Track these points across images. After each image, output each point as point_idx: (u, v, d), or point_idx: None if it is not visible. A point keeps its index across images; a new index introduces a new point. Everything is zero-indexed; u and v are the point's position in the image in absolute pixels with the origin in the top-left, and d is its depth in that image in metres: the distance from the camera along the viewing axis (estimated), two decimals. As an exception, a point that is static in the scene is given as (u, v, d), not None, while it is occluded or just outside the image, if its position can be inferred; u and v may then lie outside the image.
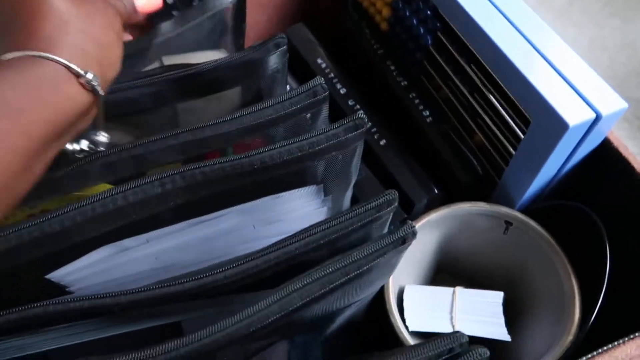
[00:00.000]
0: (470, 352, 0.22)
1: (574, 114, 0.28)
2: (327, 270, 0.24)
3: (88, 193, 0.31)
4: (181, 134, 0.28)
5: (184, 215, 0.29)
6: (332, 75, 0.43)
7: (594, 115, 0.28)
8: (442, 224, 0.36)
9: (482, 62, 0.34)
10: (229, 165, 0.27)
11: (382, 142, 0.39)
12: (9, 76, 0.23)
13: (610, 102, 0.29)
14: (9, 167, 0.22)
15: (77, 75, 0.25)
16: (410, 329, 0.32)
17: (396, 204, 0.27)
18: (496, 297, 0.33)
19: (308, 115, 0.32)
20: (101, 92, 0.26)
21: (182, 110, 0.38)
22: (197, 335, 0.22)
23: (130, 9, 0.31)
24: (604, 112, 0.28)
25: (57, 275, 0.28)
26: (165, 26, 0.39)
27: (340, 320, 0.33)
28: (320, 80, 0.30)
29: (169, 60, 0.44)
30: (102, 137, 0.30)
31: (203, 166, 0.27)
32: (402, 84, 0.42)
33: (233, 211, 0.30)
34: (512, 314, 0.35)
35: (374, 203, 0.26)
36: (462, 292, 0.34)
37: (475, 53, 0.34)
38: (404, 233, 0.26)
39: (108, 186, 0.33)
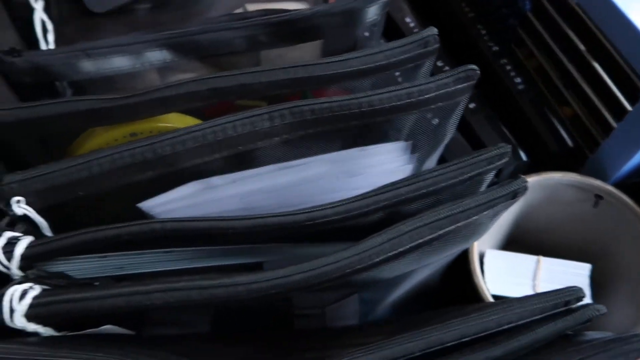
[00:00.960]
0: (588, 308, 0.21)
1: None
2: (439, 216, 0.24)
3: (165, 122, 0.32)
4: (292, 69, 0.28)
5: (272, 159, 0.29)
6: (420, 34, 0.42)
7: None
8: (528, 194, 0.35)
9: (594, 27, 0.33)
10: (338, 105, 0.27)
11: (472, 106, 0.38)
12: None
13: None
14: None
15: None
16: (492, 292, 0.32)
17: (507, 158, 0.26)
18: (583, 269, 0.32)
19: (411, 69, 0.32)
20: None
21: (264, 57, 0.38)
22: (287, 271, 0.22)
23: None
24: None
25: (148, 205, 0.28)
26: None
27: (415, 280, 0.33)
28: (433, 30, 0.30)
29: (252, 7, 0.44)
30: None
31: (312, 104, 0.27)
32: (493, 49, 0.41)
33: (319, 159, 0.30)
34: (592, 289, 0.34)
35: (485, 155, 0.26)
36: (547, 261, 0.33)
37: (585, 18, 0.33)
38: (516, 187, 0.25)
39: (183, 116, 0.34)
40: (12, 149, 0.27)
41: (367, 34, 0.36)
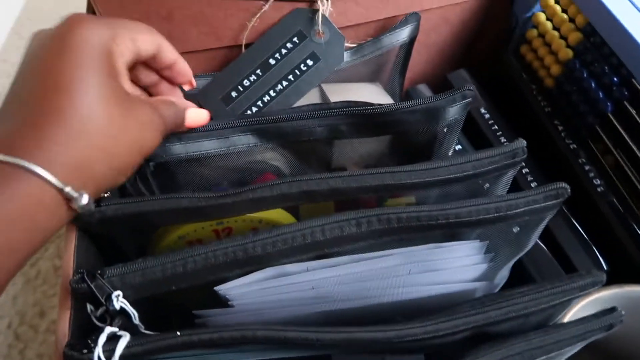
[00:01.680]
0: None
1: None
2: (531, 345, 0.23)
3: (263, 216, 0.32)
4: (379, 175, 0.29)
5: (355, 250, 0.30)
6: (495, 127, 0.42)
7: None
8: (610, 304, 0.34)
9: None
10: (426, 215, 0.27)
11: (547, 205, 0.38)
12: None
13: None
14: None
15: (69, 199, 0.22)
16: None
17: (601, 285, 0.26)
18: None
19: (490, 178, 0.32)
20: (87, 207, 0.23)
21: (337, 146, 0.39)
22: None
23: (180, 121, 0.29)
24: None
25: (224, 288, 0.29)
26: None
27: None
28: (522, 142, 0.30)
29: (328, 87, 0.45)
30: None
31: (400, 212, 0.27)
32: (571, 147, 0.40)
33: (395, 253, 0.30)
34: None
35: (579, 282, 0.25)
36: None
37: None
38: (612, 320, 0.24)
39: (281, 211, 0.34)
40: (109, 240, 0.28)
41: (445, 129, 0.37)
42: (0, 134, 0.21)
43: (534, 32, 0.45)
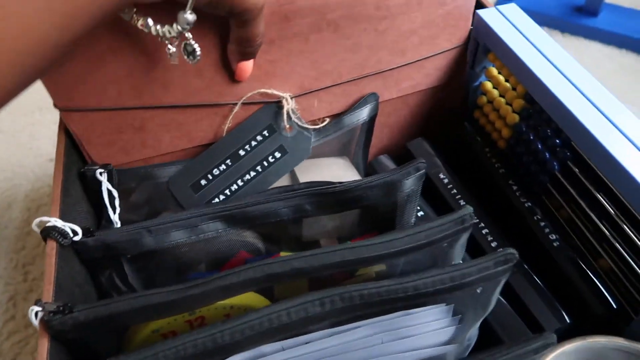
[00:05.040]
0: None
1: None
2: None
3: (234, 302, 0.34)
4: (340, 252, 0.30)
5: (322, 327, 0.31)
6: (454, 191, 0.44)
7: None
8: (574, 356, 0.35)
9: (621, 198, 0.34)
10: (385, 290, 0.29)
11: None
12: None
13: None
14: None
15: None
16: None
17: (554, 344, 0.27)
18: None
19: (446, 243, 0.34)
20: None
21: (307, 222, 0.41)
22: None
23: None
24: None
25: None
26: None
27: None
28: (469, 209, 0.32)
29: (299, 164, 0.47)
30: (190, 15, 0.32)
31: (361, 289, 0.29)
32: (526, 205, 0.43)
33: (366, 324, 0.32)
34: None
35: (534, 344, 0.27)
36: None
37: (612, 187, 0.35)
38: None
39: (252, 294, 0.36)
40: (84, 345, 0.29)
41: (404, 200, 0.39)
42: None
43: (484, 98, 0.49)
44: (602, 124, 0.36)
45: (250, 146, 0.41)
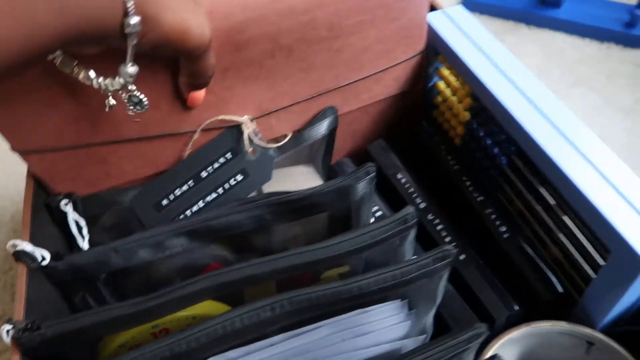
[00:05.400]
0: None
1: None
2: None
3: (196, 311, 0.36)
4: (289, 257, 0.32)
5: (282, 330, 0.33)
6: (411, 190, 0.46)
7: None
8: (523, 342, 0.37)
9: (559, 191, 0.36)
10: (331, 292, 0.31)
11: (462, 257, 0.41)
12: None
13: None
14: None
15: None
16: None
17: (484, 337, 0.29)
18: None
19: (397, 241, 0.36)
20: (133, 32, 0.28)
21: (276, 231, 0.43)
22: None
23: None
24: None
25: None
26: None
27: None
28: (410, 209, 0.34)
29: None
30: (131, 68, 0.32)
31: (309, 292, 0.31)
32: (479, 199, 0.45)
33: (326, 323, 0.34)
34: None
35: (465, 335, 0.29)
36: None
37: (550, 180, 0.37)
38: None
39: (213, 302, 0.38)
40: (55, 359, 0.31)
41: (358, 202, 0.41)
42: None
43: (439, 98, 0.51)
44: (539, 122, 0.38)
45: (213, 168, 0.43)
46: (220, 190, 0.43)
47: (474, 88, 0.43)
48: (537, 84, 0.41)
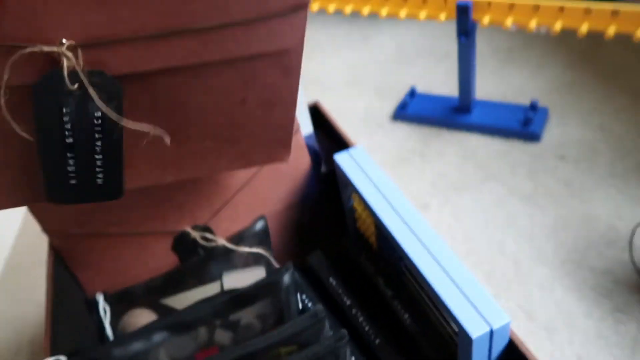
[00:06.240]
0: None
1: (475, 328, 0.44)
2: None
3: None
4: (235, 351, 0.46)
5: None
6: (340, 290, 0.61)
7: (488, 329, 0.44)
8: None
9: (425, 289, 0.51)
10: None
11: (377, 341, 0.55)
12: None
13: (498, 318, 0.45)
14: None
15: None
16: None
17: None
18: None
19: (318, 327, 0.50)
20: None
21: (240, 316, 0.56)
22: None
23: None
24: (494, 326, 0.44)
25: None
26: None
27: None
28: (319, 307, 0.48)
29: (228, 276, 0.64)
30: None
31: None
32: (389, 294, 0.59)
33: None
34: None
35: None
36: None
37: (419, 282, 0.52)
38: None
39: None
40: None
41: (286, 290, 0.55)
42: None
43: (357, 213, 0.67)
44: (415, 246, 0.53)
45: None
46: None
47: (370, 213, 0.59)
48: (414, 212, 0.56)
